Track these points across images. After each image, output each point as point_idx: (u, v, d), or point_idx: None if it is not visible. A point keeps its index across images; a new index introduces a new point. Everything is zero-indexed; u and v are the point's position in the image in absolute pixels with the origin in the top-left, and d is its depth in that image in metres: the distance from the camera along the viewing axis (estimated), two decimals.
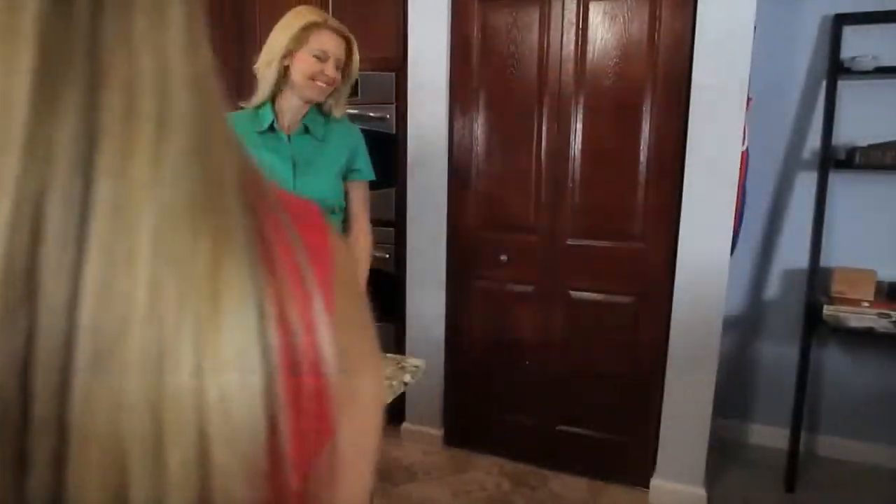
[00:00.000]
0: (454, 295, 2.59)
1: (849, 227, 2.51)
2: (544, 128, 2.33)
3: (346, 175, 1.75)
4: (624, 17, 2.15)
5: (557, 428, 2.49)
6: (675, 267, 2.19)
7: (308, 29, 1.54)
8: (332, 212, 1.71)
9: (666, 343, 2.24)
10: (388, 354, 1.29)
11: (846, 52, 2.39)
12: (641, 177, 2.21)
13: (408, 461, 2.56)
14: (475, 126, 2.44)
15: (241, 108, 1.65)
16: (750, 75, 2.20)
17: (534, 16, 2.28)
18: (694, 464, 2.25)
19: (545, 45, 2.28)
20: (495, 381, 2.58)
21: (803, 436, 2.67)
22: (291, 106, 1.63)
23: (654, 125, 2.17)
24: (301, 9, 1.60)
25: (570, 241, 2.36)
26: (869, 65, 2.33)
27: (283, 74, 1.58)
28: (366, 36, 2.63)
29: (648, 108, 2.17)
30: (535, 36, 2.29)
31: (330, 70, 1.58)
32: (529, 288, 2.45)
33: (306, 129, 1.66)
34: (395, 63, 2.56)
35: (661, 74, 2.13)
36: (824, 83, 2.43)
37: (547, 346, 2.45)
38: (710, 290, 2.14)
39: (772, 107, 2.54)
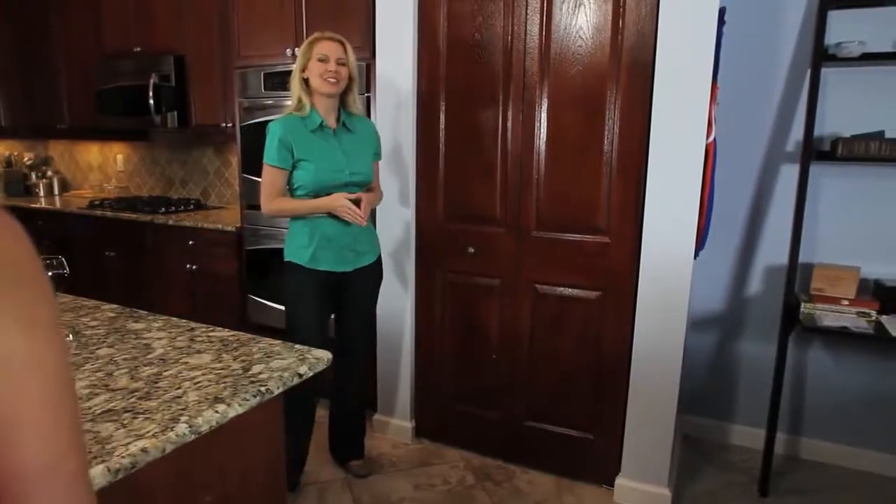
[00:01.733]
0: (424, 287, 2.57)
1: (834, 221, 2.40)
2: (510, 118, 2.28)
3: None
4: (588, 2, 2.08)
5: (525, 423, 2.46)
6: (640, 262, 2.12)
7: (312, 43, 2.01)
8: (364, 185, 2.14)
9: (631, 340, 2.18)
10: (297, 346, 1.28)
11: (831, 38, 2.26)
12: (606, 168, 2.15)
13: (375, 453, 2.56)
14: (442, 116, 2.40)
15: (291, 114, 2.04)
16: (721, 63, 2.12)
17: (498, 3, 2.22)
18: (658, 463, 2.19)
19: (510, 34, 2.22)
20: (463, 375, 2.55)
21: (786, 438, 2.59)
22: (324, 105, 2.05)
23: (620, 115, 2.10)
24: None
25: (535, 234, 2.31)
26: (855, 51, 2.20)
27: (307, 85, 2.02)
28: (336, 26, 2.61)
29: (613, 98, 2.10)
30: (499, 24, 2.23)
31: (332, 66, 1.99)
32: (496, 281, 2.41)
33: (345, 125, 2.10)
34: (366, 53, 2.54)
35: (625, 62, 2.06)
36: (808, 71, 2.32)
37: (514, 341, 2.41)
38: (675, 286, 2.07)
39: (754, 96, 2.44)
